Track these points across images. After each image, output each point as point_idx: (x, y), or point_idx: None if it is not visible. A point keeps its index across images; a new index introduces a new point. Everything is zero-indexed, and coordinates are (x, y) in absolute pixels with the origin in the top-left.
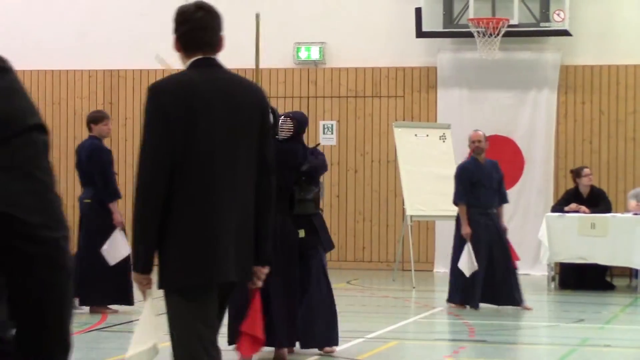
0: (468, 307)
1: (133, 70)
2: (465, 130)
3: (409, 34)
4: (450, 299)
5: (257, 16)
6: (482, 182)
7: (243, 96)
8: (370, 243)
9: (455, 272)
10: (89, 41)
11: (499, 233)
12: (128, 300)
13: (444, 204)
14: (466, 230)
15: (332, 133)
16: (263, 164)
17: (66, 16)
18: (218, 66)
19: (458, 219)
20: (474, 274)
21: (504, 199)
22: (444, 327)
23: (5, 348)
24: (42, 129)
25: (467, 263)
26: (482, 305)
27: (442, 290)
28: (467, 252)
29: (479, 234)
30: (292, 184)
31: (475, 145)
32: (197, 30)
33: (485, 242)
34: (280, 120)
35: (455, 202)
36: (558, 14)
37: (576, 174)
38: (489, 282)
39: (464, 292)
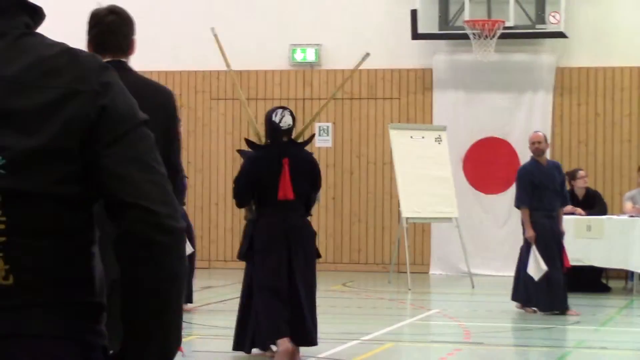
0: (537, 310)
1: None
2: (462, 132)
3: (405, 36)
4: (514, 298)
5: (213, 30)
6: (544, 183)
7: (151, 99)
8: (365, 245)
9: (523, 275)
10: (84, 44)
11: (558, 236)
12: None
13: (440, 205)
14: (529, 233)
15: (327, 135)
16: (167, 167)
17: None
18: (127, 69)
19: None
20: (551, 277)
21: (565, 201)
22: (440, 329)
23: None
24: (148, 123)
25: (535, 267)
26: (478, 307)
27: (437, 292)
28: (533, 256)
29: (545, 236)
30: (309, 189)
31: (535, 146)
32: (107, 34)
33: (549, 245)
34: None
35: (517, 206)
36: (554, 16)
37: (571, 176)
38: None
39: (535, 296)
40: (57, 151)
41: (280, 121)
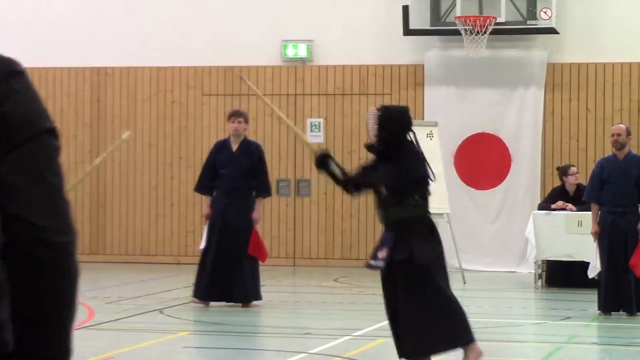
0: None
1: (120, 67)
2: (453, 128)
3: (397, 32)
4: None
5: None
6: (613, 178)
7: None
8: (357, 241)
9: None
10: (76, 39)
11: (630, 234)
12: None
13: (432, 201)
14: (593, 229)
15: (319, 131)
16: None
17: (54, 13)
18: None
19: None
20: (601, 277)
21: None
22: None
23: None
24: (53, 132)
25: (592, 265)
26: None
27: None
28: (594, 253)
29: (603, 234)
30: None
31: (614, 138)
32: None
33: (614, 242)
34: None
35: (584, 200)
36: (545, 12)
37: (563, 171)
38: (613, 287)
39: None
40: None
41: None
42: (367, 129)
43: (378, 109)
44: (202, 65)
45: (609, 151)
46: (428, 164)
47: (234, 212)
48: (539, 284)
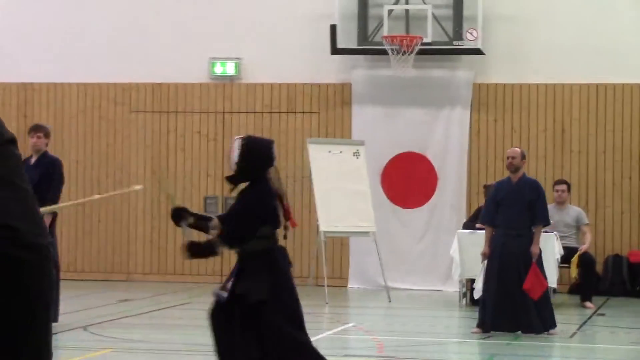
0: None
1: (47, 83)
2: (380, 146)
3: (324, 51)
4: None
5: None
6: (506, 201)
7: None
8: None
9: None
10: (2, 54)
11: (522, 257)
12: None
13: (358, 219)
14: (483, 250)
15: None
16: None
17: None
18: None
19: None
20: (488, 297)
21: (536, 220)
22: (355, 343)
23: None
24: (15, 142)
25: (476, 287)
26: (394, 321)
27: (354, 305)
28: (480, 273)
29: (495, 255)
30: None
31: (509, 161)
32: None
33: (504, 264)
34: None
35: (480, 222)
36: (471, 33)
37: (488, 190)
38: (502, 307)
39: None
40: None
41: None
42: (229, 156)
43: (242, 138)
44: (130, 81)
45: (533, 171)
46: (282, 202)
47: None
48: (464, 302)
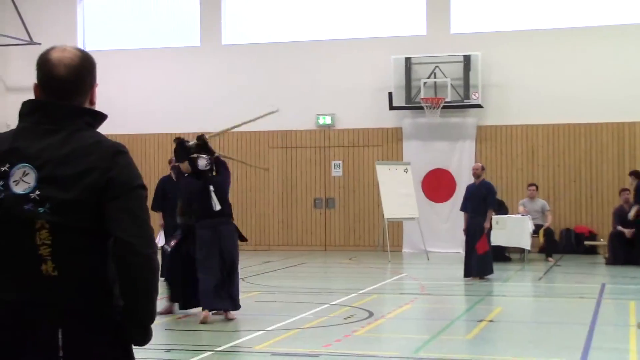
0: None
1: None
2: (420, 165)
3: (385, 107)
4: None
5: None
6: (471, 196)
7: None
8: (363, 234)
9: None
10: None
11: (476, 228)
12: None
13: (408, 210)
14: (464, 227)
15: (340, 169)
16: None
17: None
18: None
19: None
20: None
21: (488, 207)
22: (407, 286)
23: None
24: (144, 187)
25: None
26: (431, 272)
27: (406, 263)
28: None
29: (468, 229)
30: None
31: (473, 172)
32: None
33: (470, 234)
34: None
35: (460, 209)
36: (474, 95)
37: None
38: (468, 260)
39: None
40: (82, 202)
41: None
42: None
43: (175, 139)
44: (265, 130)
45: (515, 178)
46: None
47: None
48: None
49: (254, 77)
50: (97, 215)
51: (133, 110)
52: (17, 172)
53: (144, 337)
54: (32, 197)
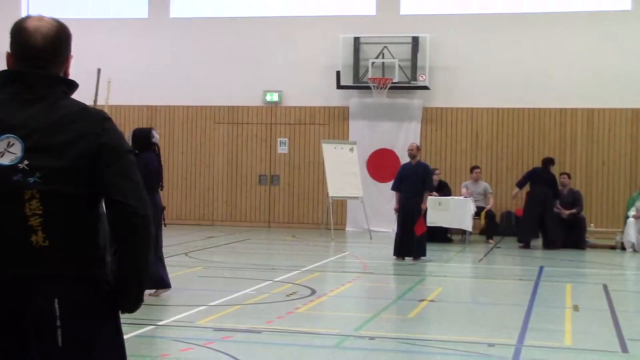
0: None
1: (164, 106)
2: (365, 145)
3: (332, 87)
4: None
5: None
6: (407, 176)
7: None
8: (307, 212)
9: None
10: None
11: (415, 209)
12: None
13: (352, 189)
14: (395, 207)
15: (285, 146)
16: None
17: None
18: None
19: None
20: (397, 236)
21: (425, 188)
22: (349, 265)
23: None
24: (131, 151)
25: (392, 229)
26: (373, 251)
27: (350, 241)
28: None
29: (401, 209)
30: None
31: (409, 152)
32: None
33: (405, 215)
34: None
35: (391, 189)
36: (421, 76)
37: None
38: (402, 241)
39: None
40: (75, 168)
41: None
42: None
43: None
44: (214, 105)
45: (459, 159)
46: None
47: None
48: None
49: (201, 52)
50: (88, 181)
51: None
52: (1, 143)
53: (136, 303)
54: (21, 167)
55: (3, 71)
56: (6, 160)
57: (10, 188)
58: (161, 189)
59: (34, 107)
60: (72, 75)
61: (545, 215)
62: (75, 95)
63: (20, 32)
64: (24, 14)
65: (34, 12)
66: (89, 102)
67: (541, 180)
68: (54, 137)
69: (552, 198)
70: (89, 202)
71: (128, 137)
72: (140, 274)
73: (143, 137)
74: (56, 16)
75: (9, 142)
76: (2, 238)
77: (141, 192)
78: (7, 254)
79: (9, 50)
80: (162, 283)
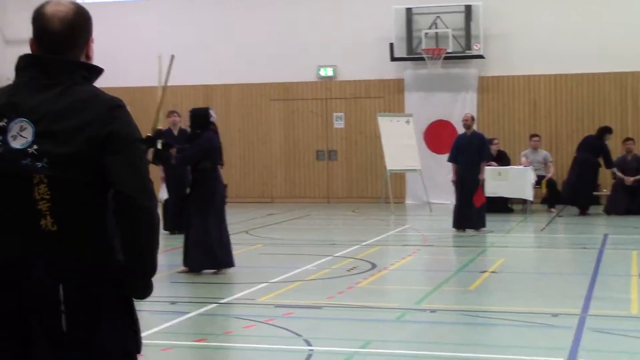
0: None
1: (222, 85)
2: (422, 117)
3: (386, 59)
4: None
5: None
6: (463, 147)
7: None
8: (367, 186)
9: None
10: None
11: (472, 180)
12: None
13: (410, 161)
14: (452, 178)
15: (342, 120)
16: None
17: None
18: None
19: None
20: (455, 208)
21: (482, 158)
22: (410, 238)
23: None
24: (141, 141)
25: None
26: (433, 223)
27: (409, 214)
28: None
29: (459, 181)
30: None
31: (464, 122)
32: None
33: (463, 185)
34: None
35: (448, 160)
36: (476, 45)
37: (489, 142)
38: (462, 213)
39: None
40: (81, 155)
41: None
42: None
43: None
44: (268, 82)
45: (517, 129)
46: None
47: None
48: None
49: (255, 29)
50: (96, 168)
51: (131, 63)
52: (15, 126)
53: (144, 291)
54: (30, 151)
55: (23, 55)
56: (17, 144)
57: (20, 171)
58: (221, 167)
59: (49, 92)
60: (126, 55)
61: (578, 181)
62: (133, 76)
63: (38, 17)
64: None
65: None
66: (152, 84)
67: (586, 147)
68: (62, 123)
69: (591, 165)
70: (96, 189)
71: (186, 117)
72: (144, 264)
73: (201, 116)
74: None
75: (21, 126)
76: (13, 220)
77: (144, 183)
78: (16, 236)
79: (31, 36)
80: (221, 262)
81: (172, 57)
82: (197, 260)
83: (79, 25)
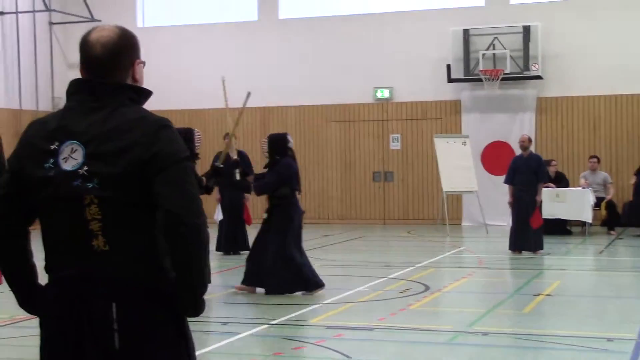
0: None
1: (280, 107)
2: (479, 138)
3: (443, 80)
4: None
5: (223, 81)
6: (520, 168)
7: None
8: (423, 208)
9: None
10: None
11: (530, 202)
12: None
13: (467, 183)
14: (509, 200)
15: (398, 142)
16: None
17: None
18: None
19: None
20: (512, 229)
21: (539, 179)
22: (465, 259)
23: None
24: (189, 159)
25: (509, 222)
26: (489, 245)
27: (465, 236)
28: (508, 215)
29: (515, 202)
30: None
31: (521, 144)
32: None
33: (520, 208)
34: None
35: (504, 182)
36: (534, 66)
37: (547, 163)
38: (519, 234)
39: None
40: (128, 176)
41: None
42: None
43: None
44: (326, 104)
45: (576, 150)
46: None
47: None
48: None
49: (311, 52)
50: (143, 189)
51: (191, 86)
52: (66, 149)
53: (196, 309)
54: (81, 173)
55: (73, 80)
56: (69, 166)
57: (72, 193)
58: (299, 193)
59: (97, 114)
60: (190, 79)
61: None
62: (197, 99)
63: (83, 44)
64: (139, 24)
65: (149, 21)
66: (217, 106)
67: None
68: (109, 145)
69: None
70: (145, 209)
71: (264, 143)
72: (193, 280)
73: (280, 142)
74: (169, 23)
75: (72, 148)
76: (66, 240)
77: (190, 200)
78: (70, 256)
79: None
80: (312, 284)
81: (249, 93)
82: (286, 282)
83: (122, 48)
